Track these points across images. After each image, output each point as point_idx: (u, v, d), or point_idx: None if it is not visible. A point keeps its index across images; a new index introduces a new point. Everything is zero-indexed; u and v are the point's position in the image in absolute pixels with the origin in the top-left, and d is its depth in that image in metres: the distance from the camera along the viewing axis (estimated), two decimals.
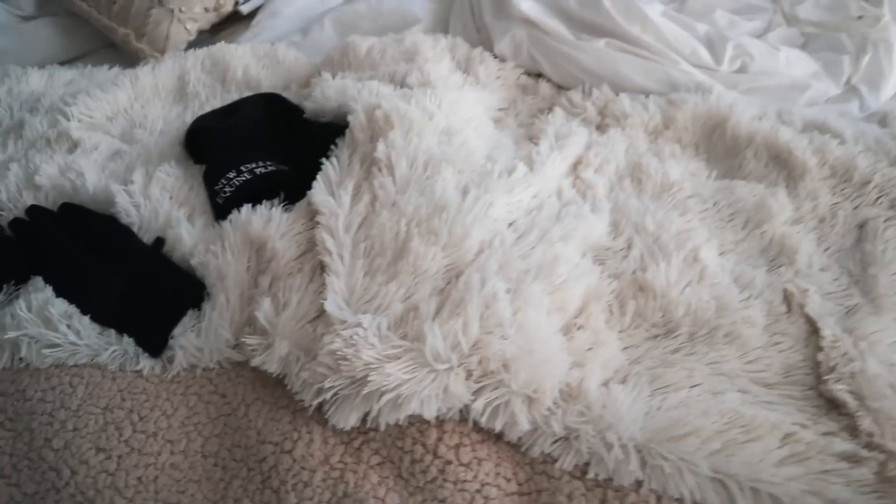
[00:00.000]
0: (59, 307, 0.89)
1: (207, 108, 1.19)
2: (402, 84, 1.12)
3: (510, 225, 0.93)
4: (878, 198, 1.01)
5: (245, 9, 1.48)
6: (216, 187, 1.01)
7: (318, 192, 0.96)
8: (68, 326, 0.88)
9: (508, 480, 0.76)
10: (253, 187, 1.00)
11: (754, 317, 0.87)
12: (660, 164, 1.04)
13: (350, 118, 1.03)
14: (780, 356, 0.85)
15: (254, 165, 1.02)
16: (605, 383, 0.82)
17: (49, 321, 0.88)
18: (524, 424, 0.77)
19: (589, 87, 1.20)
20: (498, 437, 0.80)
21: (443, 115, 1.03)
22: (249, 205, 0.98)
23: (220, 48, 1.29)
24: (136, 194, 1.02)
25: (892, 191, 1.01)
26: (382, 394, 0.77)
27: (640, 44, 1.20)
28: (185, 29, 1.38)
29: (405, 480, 0.76)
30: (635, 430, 0.75)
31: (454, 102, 1.06)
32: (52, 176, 1.04)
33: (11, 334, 0.87)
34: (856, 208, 1.00)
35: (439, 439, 0.79)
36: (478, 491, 0.74)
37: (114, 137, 1.16)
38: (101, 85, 1.20)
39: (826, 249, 0.97)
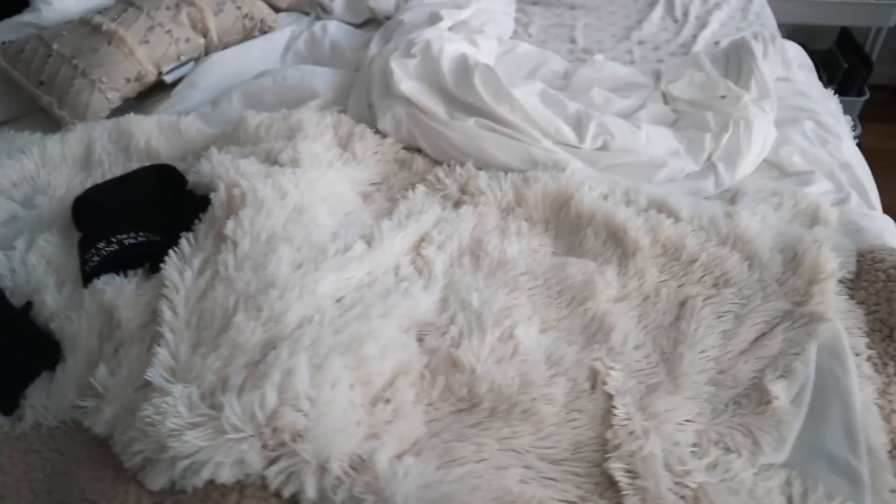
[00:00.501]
0: None
1: (108, 177, 1.29)
2: (275, 161, 1.21)
3: (338, 301, 1.00)
4: (703, 276, 1.05)
5: (169, 79, 1.58)
6: (86, 256, 1.09)
7: (169, 265, 1.03)
8: None
9: None
10: (120, 257, 1.08)
11: (554, 394, 0.92)
12: (499, 242, 1.10)
13: (212, 195, 1.12)
14: (572, 433, 0.89)
15: (124, 236, 1.11)
16: (400, 456, 0.87)
17: None
18: (310, 492, 0.83)
19: (454, 164, 1.27)
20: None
21: (298, 193, 1.11)
22: (111, 274, 1.06)
23: (128, 119, 1.39)
24: (15, 260, 1.11)
25: (716, 269, 1.05)
26: (182, 459, 0.83)
27: (506, 123, 1.27)
28: (107, 98, 1.49)
29: None
30: (412, 502, 0.80)
31: (312, 181, 1.14)
32: None
33: None
34: (680, 286, 1.05)
35: (237, 502, 0.85)
36: None
37: (15, 202, 1.25)
38: (10, 153, 1.31)
39: (645, 327, 1.02)
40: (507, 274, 1.07)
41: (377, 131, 1.35)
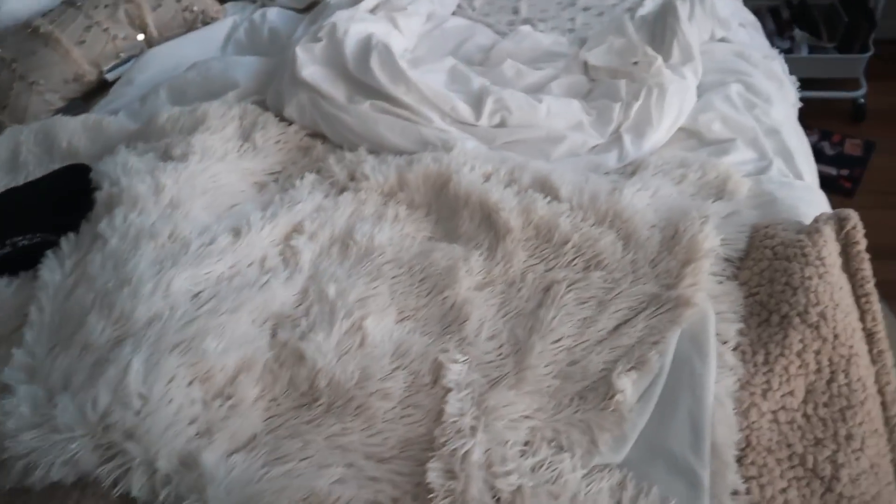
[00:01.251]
0: None
1: (31, 178, 1.33)
2: (168, 156, 1.21)
3: (195, 296, 1.00)
4: (574, 259, 1.00)
5: (110, 77, 1.62)
6: None
7: (45, 264, 1.06)
8: None
9: None
10: (14, 259, 1.12)
11: (392, 389, 0.90)
12: (370, 229, 1.08)
13: (96, 194, 1.14)
14: (404, 430, 0.87)
15: (19, 238, 1.14)
16: (232, 453, 0.87)
17: None
18: (136, 490, 0.84)
19: (345, 150, 1.24)
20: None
21: (176, 188, 1.12)
22: None
23: (53, 121, 1.43)
24: None
25: (588, 251, 1.00)
26: (17, 459, 0.86)
27: (401, 104, 1.24)
28: (45, 100, 1.54)
29: None
30: (223, 501, 0.81)
31: (194, 175, 1.15)
32: None
33: None
34: (548, 270, 1.00)
35: (77, 502, 0.87)
36: None
37: None
38: None
39: (505, 315, 0.98)
40: (372, 262, 1.05)
41: (283, 119, 1.34)
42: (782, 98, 1.33)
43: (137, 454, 0.84)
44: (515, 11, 1.73)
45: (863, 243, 0.96)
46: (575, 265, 1.00)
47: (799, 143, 1.24)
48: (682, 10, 1.33)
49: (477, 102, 1.24)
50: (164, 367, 0.89)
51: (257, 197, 1.22)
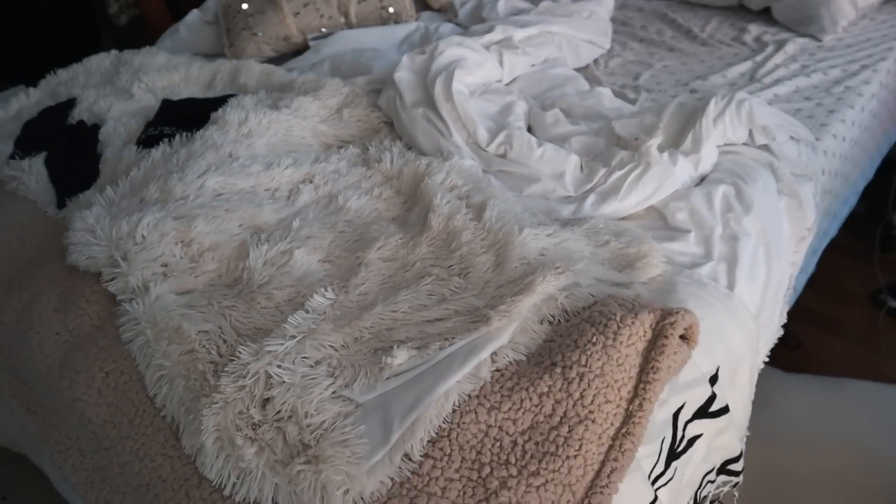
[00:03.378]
0: None
1: (206, 96, 1.88)
2: (275, 105, 1.66)
3: (219, 195, 1.42)
4: (453, 264, 1.25)
5: (312, 44, 2.12)
6: (143, 131, 1.69)
7: (157, 147, 1.58)
8: None
9: None
10: (157, 137, 1.66)
11: (276, 296, 1.24)
12: (352, 195, 1.41)
13: (212, 114, 1.63)
14: (262, 320, 1.21)
15: (165, 127, 1.68)
16: (173, 292, 1.29)
17: None
18: (114, 288, 1.30)
19: (385, 139, 1.58)
20: None
21: (257, 125, 1.56)
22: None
23: (245, 63, 1.95)
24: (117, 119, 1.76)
25: (465, 262, 1.24)
26: (73, 244, 1.36)
27: (441, 118, 1.53)
28: (258, 48, 2.09)
29: None
30: (148, 313, 1.23)
31: (273, 122, 1.58)
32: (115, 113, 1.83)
33: None
34: (433, 265, 1.26)
35: (88, 285, 1.36)
36: None
37: (156, 99, 1.91)
38: (177, 67, 1.97)
39: (384, 283, 1.25)
40: (336, 217, 1.38)
41: (376, 106, 1.71)
42: (772, 215, 1.36)
43: (124, 269, 1.29)
44: (636, 77, 1.90)
45: (673, 341, 1.06)
46: (451, 268, 1.23)
47: (755, 258, 1.29)
48: (712, 108, 1.43)
49: (495, 133, 1.49)
50: (165, 226, 1.32)
51: (317, 151, 1.61)
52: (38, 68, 2.93)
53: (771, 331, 1.38)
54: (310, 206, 1.42)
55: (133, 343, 1.20)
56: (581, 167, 1.44)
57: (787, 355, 1.98)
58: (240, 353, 1.12)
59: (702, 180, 1.46)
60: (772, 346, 1.43)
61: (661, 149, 1.43)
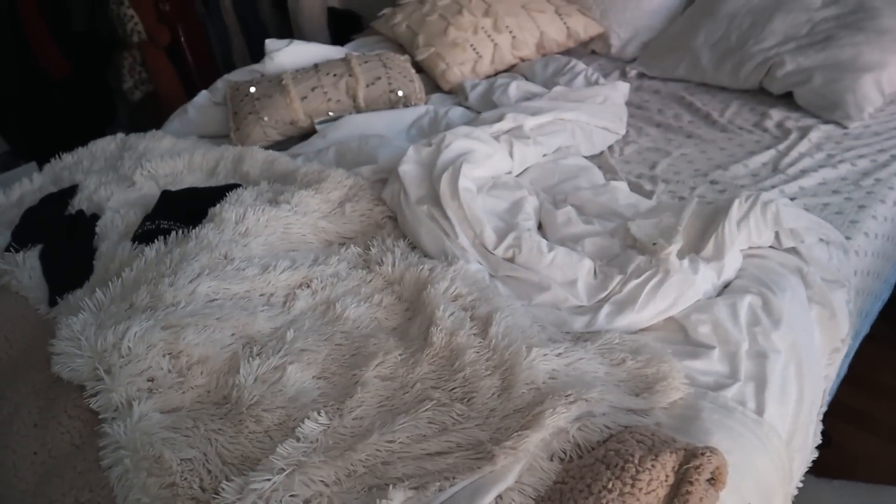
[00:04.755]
0: None
1: (214, 185, 1.83)
2: (275, 200, 1.60)
3: (211, 301, 1.35)
4: (456, 387, 1.16)
5: (318, 128, 2.08)
6: (140, 225, 1.63)
7: (151, 245, 1.51)
8: None
9: None
10: (153, 233, 1.59)
11: (265, 419, 1.15)
12: (352, 302, 1.33)
13: (210, 210, 1.57)
14: (250, 448, 1.12)
15: (164, 222, 1.62)
16: (157, 411, 1.20)
17: None
18: (95, 405, 1.21)
19: (387, 238, 1.50)
20: None
21: (254, 223, 1.50)
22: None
23: (248, 149, 1.90)
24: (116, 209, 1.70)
25: (469, 386, 1.15)
26: (57, 355, 1.29)
27: (446, 217, 1.46)
28: (265, 132, 2.05)
29: None
30: (130, 434, 1.14)
31: (272, 219, 1.52)
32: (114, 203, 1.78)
33: None
34: (433, 387, 1.17)
35: (72, 398, 1.28)
36: None
37: (158, 186, 1.86)
38: (181, 153, 1.93)
39: (381, 407, 1.16)
40: (333, 327, 1.30)
41: (380, 199, 1.65)
42: (802, 328, 1.27)
43: (108, 384, 1.21)
44: (653, 166, 1.83)
45: (699, 487, 0.95)
46: (454, 392, 1.14)
47: (784, 379, 1.19)
48: (735, 210, 1.35)
49: (503, 234, 1.42)
50: (153, 337, 1.24)
51: (317, 249, 1.54)
52: (54, 143, 2.95)
53: (805, 455, 1.27)
54: (306, 314, 1.34)
55: (112, 471, 1.11)
56: (595, 272, 1.36)
57: (818, 455, 1.85)
58: (223, 489, 1.03)
59: (725, 287, 1.37)
60: (806, 469, 1.32)
61: (681, 254, 1.34)
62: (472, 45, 2.33)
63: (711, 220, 1.41)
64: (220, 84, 2.32)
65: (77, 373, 1.25)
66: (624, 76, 2.39)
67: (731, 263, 1.36)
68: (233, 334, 1.30)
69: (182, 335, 1.26)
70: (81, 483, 1.15)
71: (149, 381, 1.23)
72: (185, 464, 1.09)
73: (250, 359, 1.23)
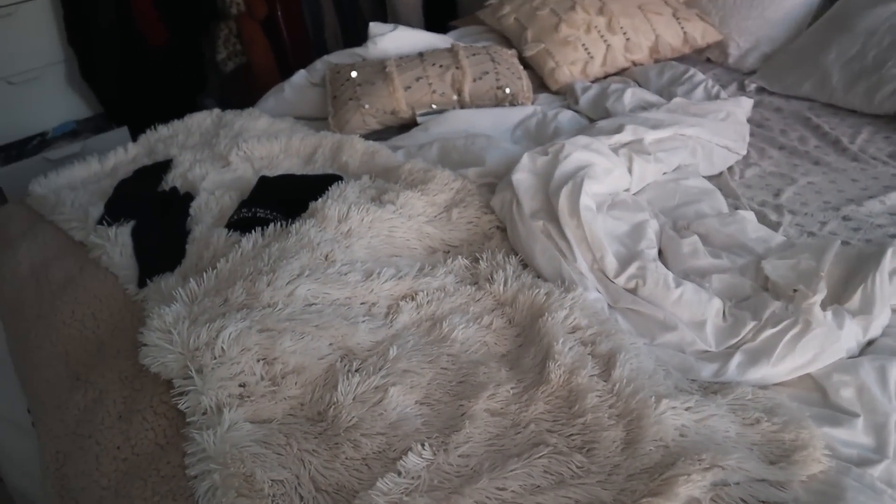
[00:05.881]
0: None
1: (312, 173, 1.75)
2: (379, 199, 1.51)
3: (309, 305, 1.28)
4: (574, 434, 1.05)
5: (420, 120, 1.99)
6: (234, 211, 1.57)
7: (247, 236, 1.44)
8: None
9: None
10: (249, 221, 1.53)
11: (364, 445, 1.07)
12: (460, 321, 1.24)
13: (312, 203, 1.49)
14: (346, 477, 1.04)
15: (261, 210, 1.55)
16: (248, 420, 1.13)
17: None
18: (183, 406, 1.15)
19: (499, 253, 1.40)
20: None
21: (358, 223, 1.43)
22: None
23: (348, 139, 1.82)
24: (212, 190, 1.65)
25: (590, 434, 1.04)
26: (146, 346, 1.24)
27: (564, 236, 1.35)
28: (364, 121, 1.97)
29: None
30: (219, 445, 1.08)
31: (375, 220, 1.44)
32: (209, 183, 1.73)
33: None
34: (549, 430, 1.06)
35: (158, 394, 1.23)
36: None
37: (253, 169, 1.80)
38: (277, 135, 1.86)
39: (491, 445, 1.07)
40: (439, 348, 1.21)
41: (488, 207, 1.54)
42: None
43: (198, 384, 1.15)
44: (777, 194, 1.68)
45: None
46: (572, 439, 1.04)
47: None
48: (888, 261, 1.21)
49: (625, 262, 1.30)
50: (248, 340, 1.18)
51: (421, 256, 1.45)
52: (145, 108, 2.94)
53: None
54: (409, 330, 1.25)
55: (198, 483, 1.05)
56: (724, 314, 1.24)
57: None
58: None
59: (868, 345, 1.23)
60: None
61: (822, 304, 1.21)
62: (583, 45, 2.20)
63: (857, 268, 1.27)
64: (318, 65, 2.25)
65: (167, 368, 1.20)
66: (742, 89, 2.22)
67: (880, 320, 1.22)
68: (331, 344, 1.23)
69: (279, 340, 1.19)
70: (165, 489, 1.09)
71: (240, 386, 1.16)
72: (276, 486, 1.02)
73: (350, 374, 1.16)
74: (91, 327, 1.44)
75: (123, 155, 1.97)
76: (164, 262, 1.51)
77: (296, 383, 1.17)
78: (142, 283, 1.49)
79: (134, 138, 2.06)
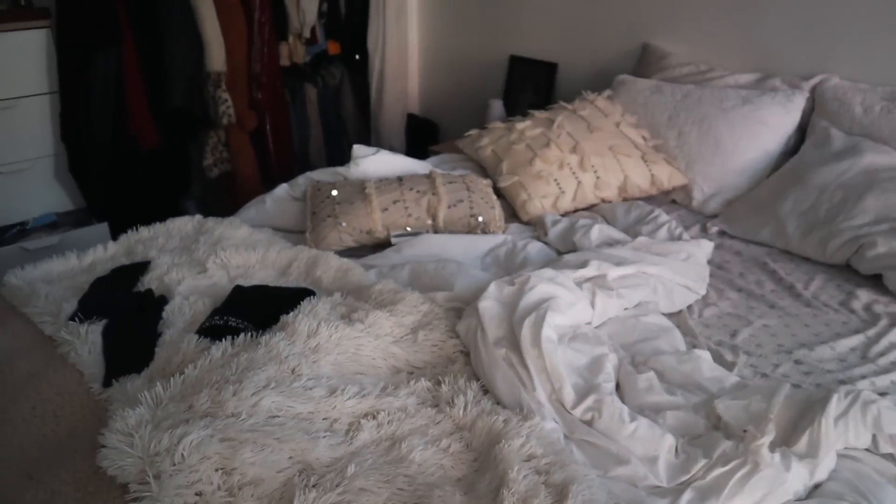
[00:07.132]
0: None
1: (291, 285, 1.80)
2: (349, 318, 1.56)
3: (272, 417, 1.29)
4: None
5: (393, 241, 2.07)
6: (206, 318, 1.60)
7: (216, 344, 1.47)
8: None
9: None
10: (219, 329, 1.56)
11: None
12: (418, 443, 1.26)
13: (283, 317, 1.54)
14: None
15: (233, 319, 1.59)
16: None
17: None
18: None
19: (459, 379, 1.44)
20: None
21: (326, 339, 1.46)
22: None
23: (323, 254, 1.89)
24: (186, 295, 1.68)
25: None
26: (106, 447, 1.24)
27: (525, 365, 1.40)
28: (340, 238, 2.04)
29: None
30: None
31: (343, 338, 1.47)
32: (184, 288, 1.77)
33: None
34: None
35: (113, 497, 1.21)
36: None
37: (229, 277, 1.84)
38: (255, 246, 1.92)
39: None
40: (396, 468, 1.22)
41: (454, 332, 1.59)
42: None
43: (154, 491, 1.15)
44: (733, 335, 1.76)
45: None
46: None
47: None
48: (833, 406, 1.27)
49: (583, 394, 1.35)
50: (209, 448, 1.19)
51: (385, 376, 1.49)
52: (127, 206, 3.00)
53: None
54: (369, 448, 1.27)
55: None
56: (676, 450, 1.28)
57: None
58: None
59: (815, 488, 1.27)
60: None
61: (771, 446, 1.26)
62: (555, 180, 2.33)
63: (805, 412, 1.33)
64: (301, 180, 2.35)
65: (124, 472, 1.19)
66: (705, 231, 2.35)
67: (826, 463, 1.27)
68: (290, 458, 1.23)
69: (239, 451, 1.20)
70: None
71: (196, 494, 1.16)
72: None
73: (307, 489, 1.16)
74: (51, 425, 1.43)
75: (102, 252, 2.01)
76: (132, 363, 1.53)
77: (252, 495, 1.17)
78: (107, 383, 1.49)
79: (113, 234, 2.11)
